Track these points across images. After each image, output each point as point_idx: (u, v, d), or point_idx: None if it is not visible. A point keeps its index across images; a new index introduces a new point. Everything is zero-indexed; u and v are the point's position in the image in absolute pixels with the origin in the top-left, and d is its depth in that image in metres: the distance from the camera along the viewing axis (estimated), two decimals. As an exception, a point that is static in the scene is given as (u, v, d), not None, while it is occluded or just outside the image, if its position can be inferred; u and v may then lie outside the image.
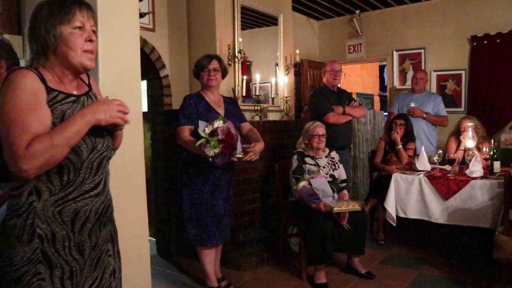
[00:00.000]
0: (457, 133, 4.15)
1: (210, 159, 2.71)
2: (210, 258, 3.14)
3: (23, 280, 1.30)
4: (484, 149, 3.87)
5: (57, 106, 1.36)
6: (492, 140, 3.77)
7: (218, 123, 2.68)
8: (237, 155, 2.82)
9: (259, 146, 2.99)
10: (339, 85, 4.30)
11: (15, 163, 1.23)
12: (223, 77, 3.14)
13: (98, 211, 1.43)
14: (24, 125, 1.25)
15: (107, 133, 1.48)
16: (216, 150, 2.65)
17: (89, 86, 1.55)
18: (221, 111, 3.07)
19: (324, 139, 3.56)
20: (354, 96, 7.46)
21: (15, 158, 1.23)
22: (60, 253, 1.36)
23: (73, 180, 1.36)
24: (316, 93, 4.21)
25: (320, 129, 3.57)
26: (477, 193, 3.41)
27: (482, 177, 3.49)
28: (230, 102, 3.24)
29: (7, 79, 1.31)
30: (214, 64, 3.04)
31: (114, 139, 1.54)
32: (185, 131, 2.96)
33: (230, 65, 4.01)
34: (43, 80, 1.35)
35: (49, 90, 1.35)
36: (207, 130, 2.68)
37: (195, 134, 2.80)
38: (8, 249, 1.31)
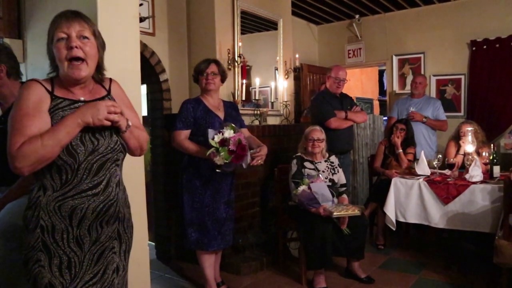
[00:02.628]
0: (457, 137, 4.15)
1: (218, 169, 2.73)
2: (210, 263, 3.13)
3: (28, 265, 1.48)
4: (483, 153, 3.87)
5: (59, 112, 1.48)
6: (492, 145, 3.77)
7: (229, 133, 2.67)
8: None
9: (264, 150, 2.98)
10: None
11: (10, 161, 1.39)
12: (223, 81, 3.14)
13: (97, 210, 1.50)
14: (19, 128, 1.40)
15: (117, 135, 1.56)
16: (227, 161, 2.65)
17: (109, 90, 1.66)
18: (221, 114, 3.07)
19: (321, 144, 3.55)
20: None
21: (10, 157, 1.39)
22: (59, 243, 1.48)
23: (71, 180, 1.47)
24: (318, 98, 4.20)
25: (316, 134, 3.56)
26: (477, 197, 3.41)
27: (481, 182, 3.49)
28: (231, 106, 3.24)
29: (19, 90, 1.51)
30: (212, 68, 3.03)
31: (126, 140, 1.59)
32: (181, 135, 2.97)
33: (229, 69, 4.02)
34: (51, 90, 1.51)
35: (53, 97, 1.50)
36: (217, 138, 2.67)
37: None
38: (23, 237, 1.50)
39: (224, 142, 2.66)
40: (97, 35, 1.56)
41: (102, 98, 1.59)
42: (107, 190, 1.53)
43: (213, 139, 2.68)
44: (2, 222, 1.92)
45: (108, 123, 1.46)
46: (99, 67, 1.60)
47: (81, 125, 1.42)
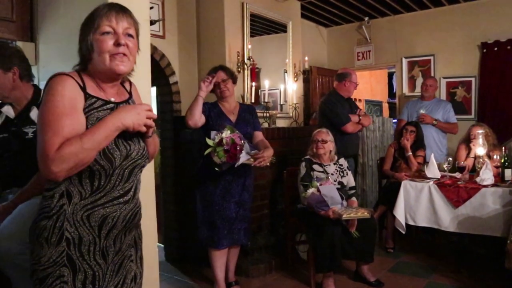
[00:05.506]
0: (468, 140, 4.12)
1: (217, 168, 2.87)
2: (221, 262, 3.18)
3: (47, 281, 1.33)
4: (495, 156, 3.83)
5: (94, 112, 1.38)
6: (503, 148, 3.74)
7: (226, 133, 2.82)
8: (246, 161, 2.89)
9: (268, 152, 3.03)
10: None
11: (45, 164, 1.25)
12: (234, 83, 3.21)
13: (126, 218, 1.44)
14: (57, 128, 1.27)
15: (142, 141, 1.49)
16: (223, 159, 2.81)
17: (130, 93, 1.58)
18: (233, 118, 3.15)
19: (325, 146, 3.54)
20: (363, 103, 7.47)
21: (45, 160, 1.25)
22: (85, 257, 1.37)
23: (104, 186, 1.38)
24: (331, 101, 4.13)
25: (321, 135, 3.56)
26: (488, 201, 3.37)
27: (493, 185, 3.46)
28: (247, 110, 3.28)
29: (48, 83, 1.35)
30: (221, 75, 3.10)
31: (147, 146, 1.52)
32: None
33: (239, 72, 4.03)
34: (83, 87, 1.39)
35: (87, 96, 1.38)
36: (217, 139, 2.83)
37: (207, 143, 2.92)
38: (37, 249, 1.34)
39: (221, 142, 2.82)
40: (137, 35, 1.48)
41: (127, 101, 1.53)
42: (135, 197, 1.48)
43: (213, 139, 2.84)
44: (14, 224, 1.93)
45: (144, 129, 1.40)
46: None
47: (121, 129, 1.34)
